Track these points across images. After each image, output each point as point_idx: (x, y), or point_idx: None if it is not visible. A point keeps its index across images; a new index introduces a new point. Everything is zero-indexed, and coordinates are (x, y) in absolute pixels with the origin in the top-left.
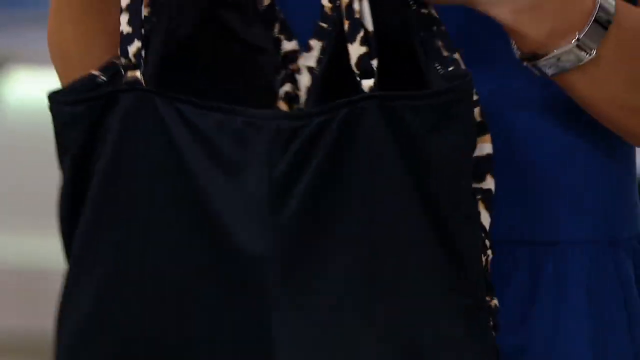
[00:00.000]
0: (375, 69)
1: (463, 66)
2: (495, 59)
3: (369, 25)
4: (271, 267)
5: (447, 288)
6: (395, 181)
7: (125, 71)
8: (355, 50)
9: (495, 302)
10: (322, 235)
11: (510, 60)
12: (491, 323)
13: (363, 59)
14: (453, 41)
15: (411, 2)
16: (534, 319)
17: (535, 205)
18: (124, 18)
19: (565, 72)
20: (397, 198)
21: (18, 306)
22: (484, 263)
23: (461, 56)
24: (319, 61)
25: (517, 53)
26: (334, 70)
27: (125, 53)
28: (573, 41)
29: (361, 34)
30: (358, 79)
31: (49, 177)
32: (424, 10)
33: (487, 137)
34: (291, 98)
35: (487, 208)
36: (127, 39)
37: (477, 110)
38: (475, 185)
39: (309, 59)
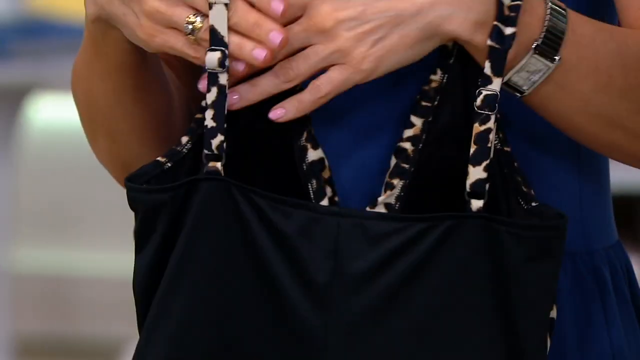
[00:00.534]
0: (487, 192)
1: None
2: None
3: (492, 155)
4: (334, 354)
5: None
6: (481, 298)
7: (208, 161)
8: (476, 173)
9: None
10: (387, 334)
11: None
12: None
13: (480, 183)
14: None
15: (496, 142)
16: None
17: None
18: (209, 113)
19: (538, 87)
20: (477, 314)
21: (44, 311)
22: None
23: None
24: (399, 198)
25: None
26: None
27: (208, 145)
28: (533, 46)
29: (487, 161)
30: (467, 197)
31: (69, 192)
32: (506, 149)
33: None
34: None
35: (550, 335)
36: (211, 133)
37: None
38: None
39: (390, 197)
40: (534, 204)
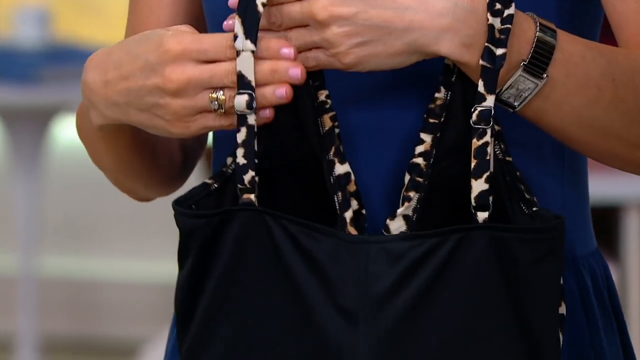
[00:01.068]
0: (491, 203)
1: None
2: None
3: (492, 167)
4: None
5: None
6: (496, 303)
7: (242, 193)
8: (479, 186)
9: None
10: (413, 345)
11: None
12: None
13: (483, 195)
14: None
15: (498, 153)
16: None
17: None
18: (240, 152)
19: (529, 102)
20: (494, 318)
21: (68, 313)
22: None
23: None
24: (415, 210)
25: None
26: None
27: (241, 180)
28: (521, 65)
29: (488, 173)
30: (473, 210)
31: (91, 204)
32: (508, 159)
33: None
34: (357, 221)
35: (562, 331)
36: (242, 169)
37: None
38: None
39: (408, 209)
40: (535, 208)
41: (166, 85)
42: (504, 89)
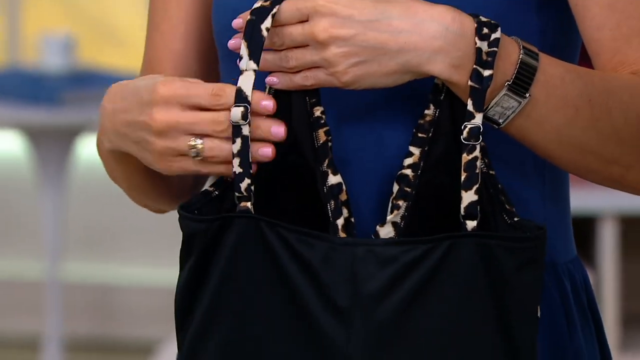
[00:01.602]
0: (479, 213)
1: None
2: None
3: (479, 179)
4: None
5: None
6: (481, 305)
7: (239, 201)
8: (469, 197)
9: None
10: (402, 345)
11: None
12: None
13: (472, 205)
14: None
15: (482, 167)
16: None
17: None
18: (236, 161)
19: (513, 119)
20: (478, 320)
21: (90, 315)
22: None
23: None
24: (403, 217)
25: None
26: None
27: (238, 189)
28: (505, 85)
29: (477, 185)
30: (462, 219)
31: (110, 215)
32: (491, 172)
33: None
34: (348, 227)
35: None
36: (239, 177)
37: None
38: None
39: (396, 217)
40: (515, 219)
41: (151, 124)
42: (489, 107)
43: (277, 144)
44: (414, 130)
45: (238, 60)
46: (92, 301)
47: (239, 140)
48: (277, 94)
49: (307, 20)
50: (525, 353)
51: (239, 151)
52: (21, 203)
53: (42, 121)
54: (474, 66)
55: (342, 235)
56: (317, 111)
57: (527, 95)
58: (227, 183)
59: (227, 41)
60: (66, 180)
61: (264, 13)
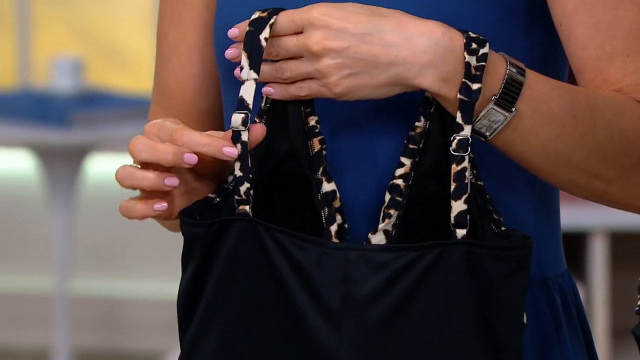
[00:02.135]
0: (469, 222)
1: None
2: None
3: (469, 188)
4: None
5: None
6: (466, 312)
7: (238, 205)
8: (458, 206)
9: None
10: (391, 347)
11: None
12: None
13: (461, 214)
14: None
15: (471, 178)
16: None
17: None
18: (237, 165)
19: (499, 132)
20: (466, 326)
21: (97, 328)
22: None
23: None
24: (394, 226)
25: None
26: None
27: (237, 192)
28: (492, 99)
29: (466, 195)
30: (452, 228)
31: (117, 232)
32: (480, 183)
33: None
34: (341, 234)
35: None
36: (239, 181)
37: None
38: None
39: (388, 225)
40: (503, 228)
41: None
42: (477, 120)
43: (274, 152)
44: (405, 141)
45: (239, 71)
46: (100, 314)
47: (238, 146)
48: (274, 103)
49: (302, 32)
50: (513, 358)
51: (239, 155)
52: (31, 220)
53: (52, 141)
54: (463, 80)
55: (335, 240)
56: (312, 120)
57: (514, 109)
58: (227, 190)
59: (222, 51)
60: (75, 198)
61: (262, 24)
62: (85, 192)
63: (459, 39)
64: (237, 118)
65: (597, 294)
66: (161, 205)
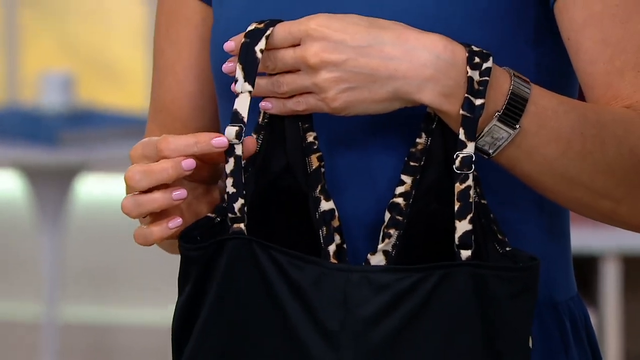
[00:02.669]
0: (473, 242)
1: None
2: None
3: (473, 208)
4: None
5: None
6: (473, 333)
7: (232, 223)
8: (463, 226)
9: None
10: None
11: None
12: None
13: (466, 234)
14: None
15: (475, 196)
16: None
17: None
18: (229, 181)
19: (503, 150)
20: (471, 349)
21: (87, 356)
22: None
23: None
24: (394, 246)
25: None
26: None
27: (232, 209)
28: (495, 115)
29: (471, 214)
30: (456, 249)
31: (108, 256)
32: (483, 202)
33: None
34: (339, 254)
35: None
36: (232, 197)
37: None
38: None
39: (387, 245)
40: (507, 248)
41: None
42: (480, 136)
43: (271, 167)
44: (406, 158)
45: (233, 84)
46: (90, 342)
47: (231, 160)
48: (272, 118)
49: (299, 44)
50: None
51: (232, 170)
52: (19, 242)
53: (41, 161)
54: (466, 95)
55: (334, 261)
56: (310, 136)
57: (517, 126)
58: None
59: (219, 65)
60: (64, 220)
61: (258, 35)
62: (75, 214)
63: (461, 52)
64: (230, 131)
65: (609, 319)
66: (176, 222)
